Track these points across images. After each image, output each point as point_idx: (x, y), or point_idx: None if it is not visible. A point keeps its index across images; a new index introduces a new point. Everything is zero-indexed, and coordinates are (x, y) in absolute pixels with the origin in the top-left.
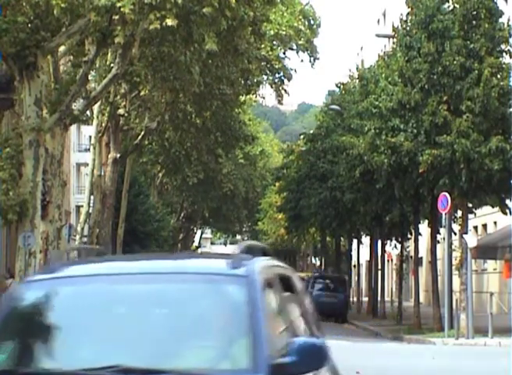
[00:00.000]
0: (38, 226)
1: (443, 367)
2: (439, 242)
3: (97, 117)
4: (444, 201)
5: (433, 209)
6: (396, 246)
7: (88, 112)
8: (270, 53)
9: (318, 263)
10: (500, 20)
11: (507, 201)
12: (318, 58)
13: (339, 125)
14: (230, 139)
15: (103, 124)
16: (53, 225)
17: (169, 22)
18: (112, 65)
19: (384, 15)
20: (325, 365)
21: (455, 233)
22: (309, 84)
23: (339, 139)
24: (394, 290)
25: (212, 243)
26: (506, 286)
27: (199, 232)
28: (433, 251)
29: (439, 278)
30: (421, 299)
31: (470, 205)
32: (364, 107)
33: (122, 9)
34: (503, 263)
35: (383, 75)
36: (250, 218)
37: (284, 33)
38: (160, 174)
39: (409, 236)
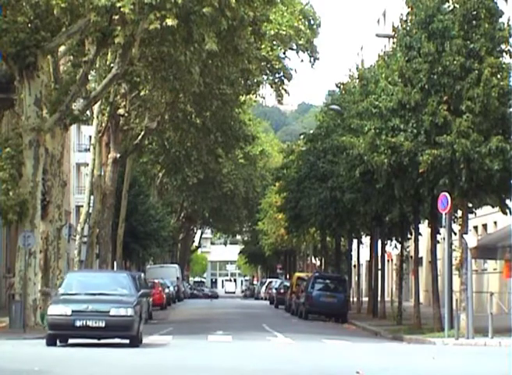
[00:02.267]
0: (38, 226)
1: (443, 367)
2: (439, 242)
3: (97, 117)
4: (444, 201)
5: (433, 209)
6: (396, 246)
7: (88, 112)
8: (270, 53)
9: (318, 263)
10: (500, 20)
11: (507, 201)
12: (318, 59)
13: (339, 125)
14: (230, 139)
15: (103, 124)
16: (53, 225)
17: (169, 22)
18: (112, 65)
19: (384, 15)
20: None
21: (455, 233)
22: (309, 84)
23: (339, 139)
24: (394, 290)
25: (212, 243)
26: (506, 286)
27: (199, 232)
28: (433, 251)
29: (439, 278)
30: (421, 299)
31: (470, 205)
32: (364, 107)
33: (122, 9)
34: (503, 263)
35: (383, 75)
36: (250, 218)
37: (284, 33)
38: (160, 174)
39: (409, 236)
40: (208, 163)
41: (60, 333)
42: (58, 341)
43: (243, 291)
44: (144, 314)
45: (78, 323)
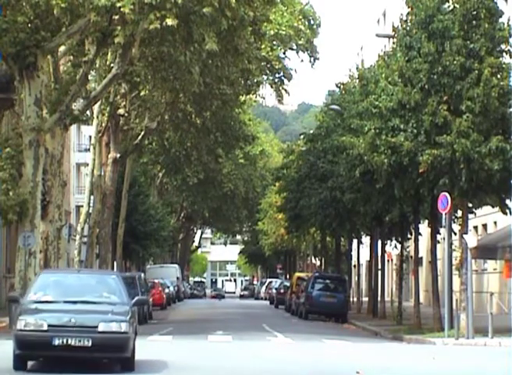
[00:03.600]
0: (38, 226)
1: (443, 367)
2: (439, 242)
3: (97, 117)
4: (444, 201)
5: (433, 209)
6: (396, 246)
7: (88, 112)
8: (270, 53)
9: (318, 263)
10: (500, 20)
11: (507, 201)
12: (318, 59)
13: (339, 125)
14: (230, 139)
15: (103, 124)
16: (53, 225)
17: (169, 22)
18: (112, 65)
19: (384, 15)
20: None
21: (455, 233)
22: (309, 84)
23: (339, 139)
24: (394, 290)
25: (212, 243)
26: (506, 286)
27: (199, 232)
28: (433, 251)
29: (439, 278)
30: (421, 299)
31: (470, 205)
32: (364, 107)
33: (122, 9)
34: (503, 263)
35: (383, 75)
36: (250, 218)
37: (284, 33)
38: (160, 174)
39: (409, 236)
40: (208, 163)
41: (32, 355)
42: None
43: (241, 291)
44: (137, 327)
45: (57, 342)
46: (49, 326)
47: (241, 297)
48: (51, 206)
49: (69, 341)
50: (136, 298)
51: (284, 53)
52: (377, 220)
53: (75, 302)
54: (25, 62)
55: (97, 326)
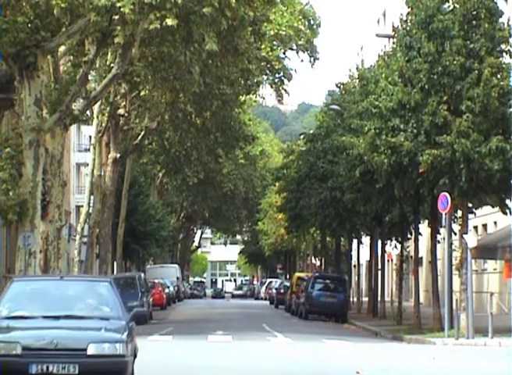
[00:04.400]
0: (38, 226)
1: (443, 367)
2: (439, 242)
3: (97, 117)
4: (444, 201)
5: (433, 209)
6: (396, 246)
7: (88, 112)
8: (270, 53)
9: (318, 263)
10: (500, 20)
11: (507, 201)
12: (318, 59)
13: (339, 125)
14: (230, 139)
15: (103, 124)
16: (53, 225)
17: (169, 22)
18: (112, 65)
19: (384, 15)
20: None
21: (455, 233)
22: (309, 84)
23: (339, 139)
24: (394, 290)
25: (212, 243)
26: (506, 286)
27: (199, 232)
28: (433, 251)
29: (439, 278)
30: (421, 299)
31: (470, 205)
32: (364, 107)
33: (122, 9)
34: (503, 263)
35: (383, 75)
36: (250, 218)
37: (284, 33)
38: (160, 174)
39: (409, 236)
40: (208, 163)
41: None
42: None
43: (234, 290)
44: (137, 348)
45: (34, 369)
46: (24, 349)
47: (233, 296)
48: (51, 206)
49: (50, 368)
50: (134, 310)
51: (284, 53)
52: (377, 220)
53: (57, 318)
54: (25, 62)
55: (85, 349)
